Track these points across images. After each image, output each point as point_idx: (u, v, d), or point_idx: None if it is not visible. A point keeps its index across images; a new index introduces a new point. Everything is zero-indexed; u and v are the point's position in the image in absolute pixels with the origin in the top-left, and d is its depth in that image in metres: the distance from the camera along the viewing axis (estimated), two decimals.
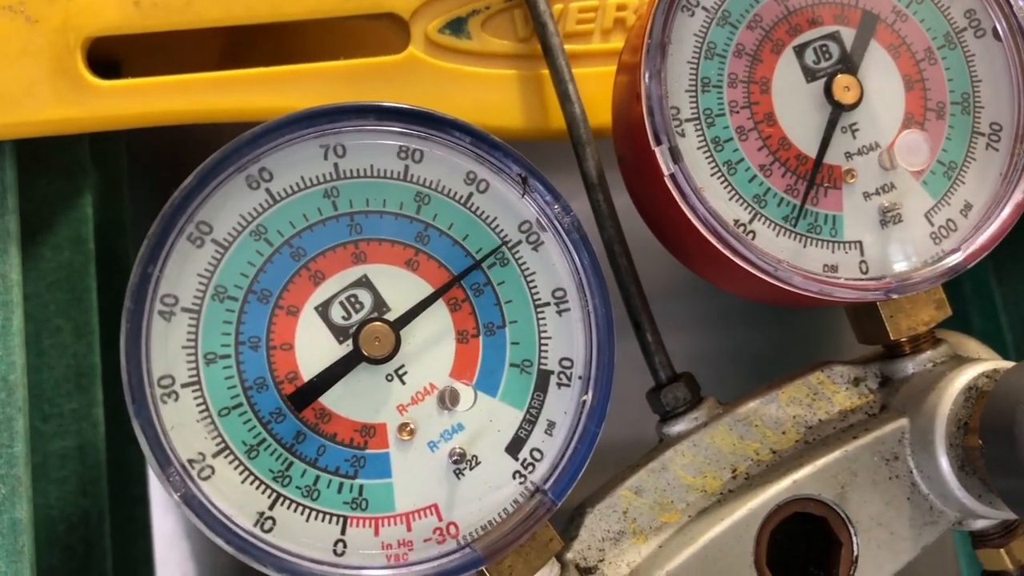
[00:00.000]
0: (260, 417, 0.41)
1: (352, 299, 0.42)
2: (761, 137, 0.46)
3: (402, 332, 0.42)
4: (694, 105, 0.45)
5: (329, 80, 0.52)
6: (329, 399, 0.41)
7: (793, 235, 0.46)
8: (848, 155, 0.47)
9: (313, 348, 0.41)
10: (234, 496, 0.40)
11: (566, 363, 0.44)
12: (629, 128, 0.46)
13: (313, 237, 0.42)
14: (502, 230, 0.44)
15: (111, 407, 0.64)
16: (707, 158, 0.45)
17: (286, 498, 0.40)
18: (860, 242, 0.47)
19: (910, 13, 0.48)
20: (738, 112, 0.46)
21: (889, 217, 0.47)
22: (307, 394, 0.40)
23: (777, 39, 0.47)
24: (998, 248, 0.75)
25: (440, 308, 0.43)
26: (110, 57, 0.58)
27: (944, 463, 0.44)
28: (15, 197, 0.52)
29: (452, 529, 0.42)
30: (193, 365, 0.40)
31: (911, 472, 0.46)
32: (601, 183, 0.50)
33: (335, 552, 0.41)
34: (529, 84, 0.53)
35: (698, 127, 0.45)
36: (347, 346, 0.41)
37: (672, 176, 0.44)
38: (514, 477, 0.43)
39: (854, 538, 0.45)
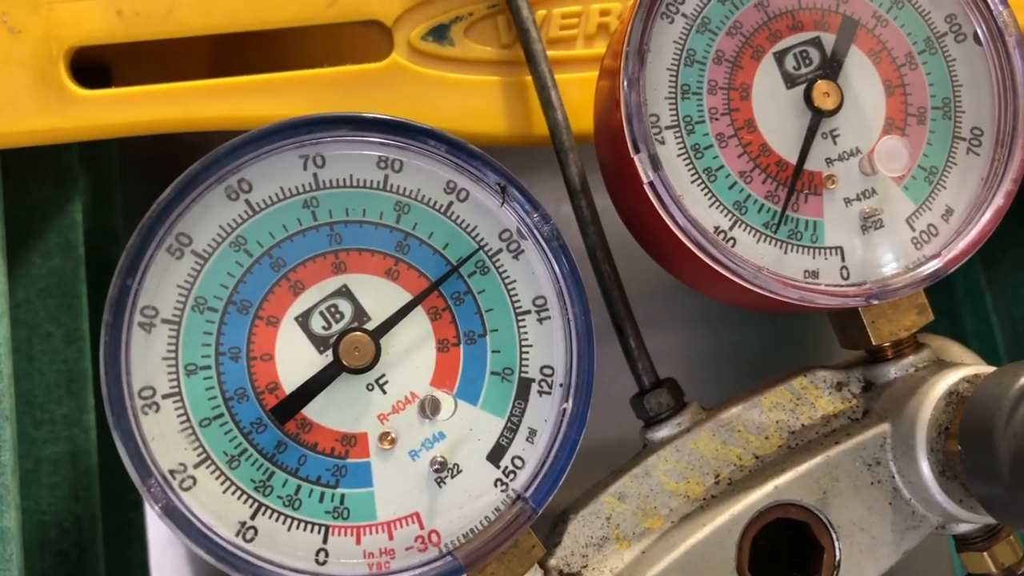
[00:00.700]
0: (241, 427, 0.41)
1: (332, 309, 0.42)
2: (741, 144, 0.46)
3: (383, 342, 0.42)
4: (674, 112, 0.46)
5: (314, 87, 0.52)
6: (310, 409, 0.41)
7: (774, 241, 0.46)
8: (829, 161, 0.47)
9: (293, 358, 0.41)
10: (215, 506, 0.40)
11: (547, 371, 0.44)
12: (610, 134, 0.47)
13: (293, 247, 0.42)
14: (482, 238, 0.44)
15: (103, 412, 0.64)
16: (687, 165, 0.45)
17: (268, 508, 0.41)
18: (841, 248, 0.47)
19: (891, 18, 0.48)
20: (718, 119, 0.46)
21: (870, 222, 0.47)
22: (290, 406, 0.40)
23: (757, 45, 0.47)
24: (989, 249, 0.75)
25: (421, 317, 0.43)
26: (100, 63, 0.59)
27: (925, 468, 0.44)
28: (0, 207, 0.52)
29: (434, 537, 0.42)
30: (174, 376, 0.40)
31: (893, 477, 0.46)
32: (584, 189, 0.50)
33: (317, 561, 0.41)
34: (512, 90, 0.53)
35: (678, 134, 0.45)
36: (327, 356, 0.42)
37: (651, 184, 0.44)
38: (495, 485, 0.43)
39: (836, 543, 0.45)
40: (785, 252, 0.46)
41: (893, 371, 0.48)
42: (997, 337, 0.76)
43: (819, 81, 0.47)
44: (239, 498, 0.40)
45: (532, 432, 0.43)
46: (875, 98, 0.48)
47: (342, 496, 0.41)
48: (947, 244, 0.47)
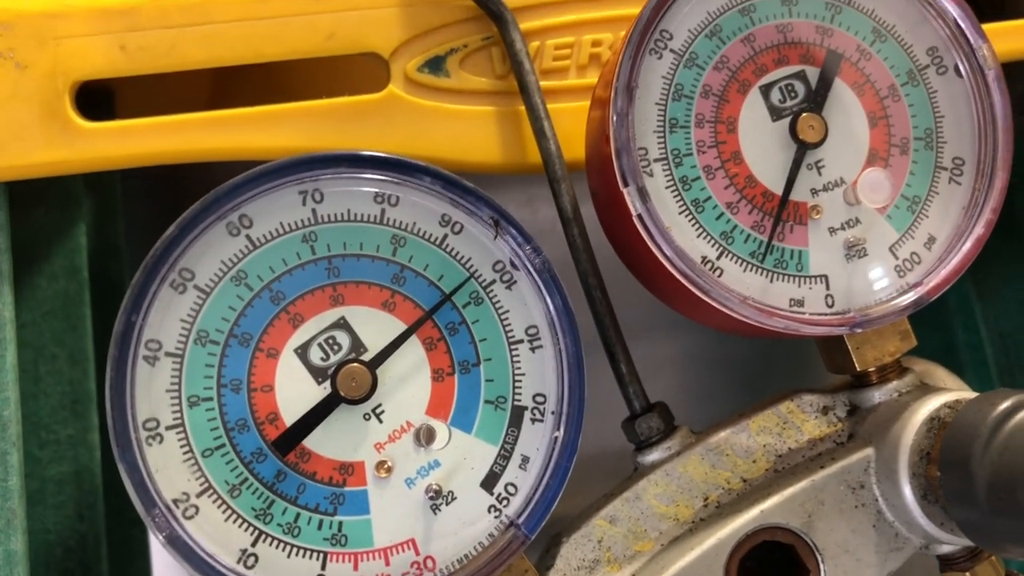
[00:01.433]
0: (242, 457, 0.42)
1: (330, 341, 0.43)
2: (728, 175, 0.47)
3: (379, 372, 0.43)
4: (662, 145, 0.47)
5: (313, 119, 0.53)
6: (309, 439, 0.43)
7: (760, 271, 0.47)
8: (814, 191, 0.48)
9: (293, 389, 0.43)
10: (217, 534, 0.41)
11: (539, 399, 0.45)
12: (600, 166, 0.48)
13: (292, 281, 0.43)
14: (476, 270, 0.45)
15: (107, 432, 0.65)
16: (675, 197, 0.47)
17: (268, 535, 0.42)
18: (826, 276, 0.48)
19: (874, 52, 0.49)
20: (705, 152, 0.47)
21: (854, 251, 0.48)
22: (291, 438, 0.42)
23: (743, 79, 0.48)
24: (979, 265, 0.76)
25: (416, 347, 0.44)
26: (104, 89, 0.60)
27: (908, 492, 0.46)
28: (7, 237, 0.53)
29: (429, 563, 0.43)
30: (177, 408, 0.42)
31: (877, 500, 0.47)
32: (576, 218, 0.51)
33: None
34: (507, 120, 0.55)
35: (666, 167, 0.47)
36: (326, 387, 0.43)
37: (640, 216, 0.45)
38: (489, 511, 0.44)
39: (821, 565, 0.46)
40: (771, 281, 0.47)
41: (878, 395, 0.49)
42: (987, 350, 0.77)
43: (804, 114, 0.48)
44: (240, 526, 0.42)
45: (525, 459, 0.45)
46: (859, 129, 0.49)
47: (340, 523, 0.43)
48: (929, 272, 0.48)
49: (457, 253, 0.45)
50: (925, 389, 0.49)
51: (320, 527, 0.42)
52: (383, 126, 0.54)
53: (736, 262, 0.47)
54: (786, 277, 0.47)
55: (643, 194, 0.45)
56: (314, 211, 0.44)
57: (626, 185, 0.45)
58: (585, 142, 0.52)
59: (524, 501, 0.44)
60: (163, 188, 0.78)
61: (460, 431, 0.44)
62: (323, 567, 0.42)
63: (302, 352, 0.43)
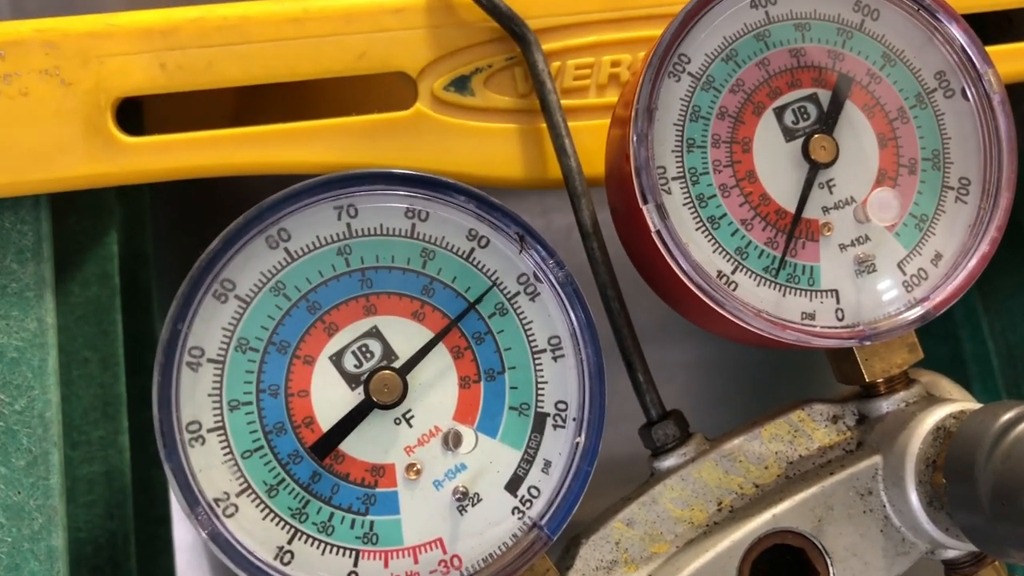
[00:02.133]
0: (279, 459, 0.44)
1: (363, 349, 0.46)
2: (743, 194, 0.49)
3: (409, 379, 0.45)
4: (680, 164, 0.49)
5: (342, 135, 0.55)
6: (343, 443, 0.45)
7: (773, 285, 0.49)
8: (825, 209, 0.50)
9: (328, 395, 0.45)
10: (256, 532, 0.43)
11: (561, 406, 0.47)
12: (620, 183, 0.50)
13: (328, 292, 0.45)
14: (501, 282, 0.47)
15: (136, 433, 0.68)
16: (692, 214, 0.49)
17: (303, 533, 0.44)
18: (836, 291, 0.50)
19: (884, 75, 0.51)
20: (721, 171, 0.49)
21: (864, 267, 0.50)
22: (328, 443, 0.44)
23: (758, 102, 0.50)
24: (986, 278, 0.78)
25: (444, 356, 0.46)
26: (132, 104, 0.62)
27: (914, 499, 0.47)
28: (50, 246, 0.55)
29: (456, 561, 0.45)
30: (218, 411, 0.44)
31: (884, 506, 0.49)
32: (595, 232, 0.53)
33: None
34: (529, 137, 0.57)
35: (683, 185, 0.49)
36: (359, 393, 0.45)
37: (659, 232, 0.47)
38: (513, 513, 0.46)
39: (830, 568, 0.48)
40: (784, 295, 0.49)
41: (885, 406, 0.51)
42: (994, 361, 0.79)
43: (816, 135, 0.50)
44: (277, 524, 0.44)
45: (547, 464, 0.47)
46: (869, 150, 0.51)
47: (372, 523, 0.45)
48: (936, 287, 0.50)
49: (483, 266, 0.47)
50: (931, 400, 0.51)
51: (353, 526, 0.44)
52: (410, 143, 0.56)
53: (750, 276, 0.49)
54: (798, 291, 0.49)
55: (662, 211, 0.47)
56: (349, 225, 0.46)
57: (645, 202, 0.47)
58: (605, 160, 0.54)
59: (547, 503, 0.46)
60: (189, 199, 0.80)
61: (486, 436, 0.46)
62: (355, 564, 0.44)
63: (336, 359, 0.45)
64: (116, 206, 0.69)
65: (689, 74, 0.49)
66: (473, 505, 0.46)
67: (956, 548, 0.49)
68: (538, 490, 0.46)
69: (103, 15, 0.54)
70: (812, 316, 0.49)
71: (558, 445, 0.47)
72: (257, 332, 0.44)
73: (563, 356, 0.47)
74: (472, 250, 0.47)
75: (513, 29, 0.55)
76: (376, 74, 0.56)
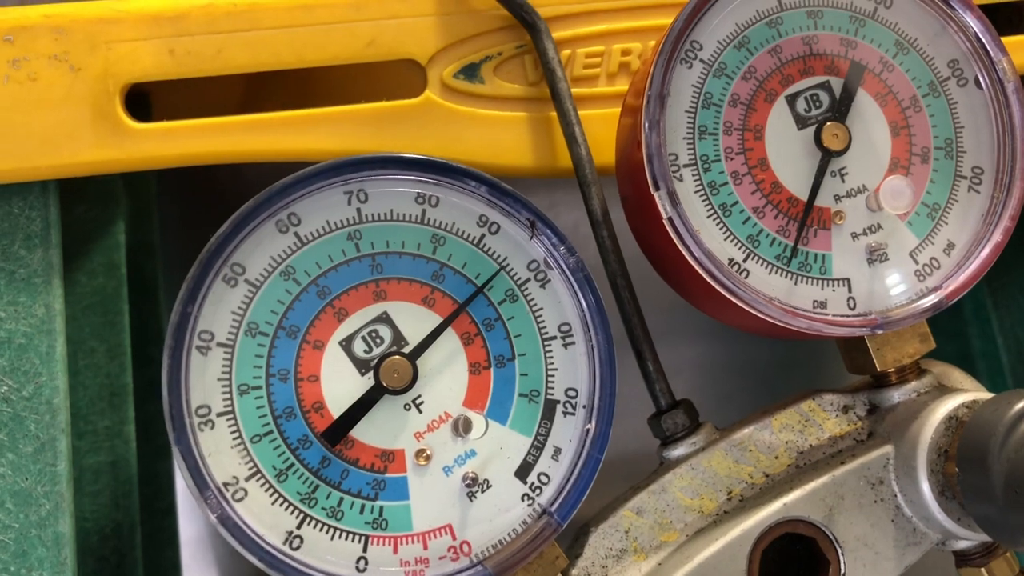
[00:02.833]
0: (289, 444, 0.44)
1: (373, 334, 0.45)
2: (755, 181, 0.49)
3: (419, 365, 0.45)
4: (691, 151, 0.49)
5: (351, 123, 0.55)
6: (353, 428, 0.44)
7: (785, 273, 0.49)
8: (837, 198, 0.50)
9: (337, 380, 0.45)
10: (265, 516, 0.43)
11: (571, 393, 0.47)
12: (631, 171, 0.50)
13: (338, 277, 0.45)
14: (512, 268, 0.47)
15: (141, 424, 0.68)
16: (703, 201, 0.49)
17: (312, 518, 0.44)
18: (848, 279, 0.50)
19: (896, 64, 0.51)
20: (733, 158, 0.49)
21: (876, 256, 0.50)
22: (339, 429, 0.44)
23: (770, 89, 0.50)
24: (995, 273, 0.77)
25: (454, 342, 0.46)
26: (139, 90, 0.62)
27: (926, 488, 0.47)
28: (58, 232, 0.55)
29: (465, 547, 0.45)
30: (227, 396, 0.44)
31: (895, 496, 0.49)
32: (605, 220, 0.53)
33: (358, 568, 0.44)
34: (539, 126, 0.56)
35: (695, 172, 0.49)
36: (368, 378, 0.45)
37: (670, 219, 0.47)
38: (523, 499, 0.46)
39: (841, 558, 0.48)
40: (795, 283, 0.49)
41: (897, 396, 0.51)
42: (1003, 358, 0.79)
43: (828, 123, 0.50)
44: (286, 509, 0.44)
45: (557, 451, 0.46)
46: (881, 138, 0.51)
47: (381, 508, 0.45)
48: (948, 277, 0.50)
49: (494, 252, 0.47)
50: (943, 390, 0.51)
51: (362, 511, 0.44)
52: (419, 130, 0.55)
53: (762, 264, 0.49)
54: (810, 280, 0.49)
55: (673, 198, 0.47)
56: (359, 210, 0.46)
57: (657, 189, 0.47)
58: (616, 148, 0.54)
59: (556, 490, 0.46)
60: (196, 192, 0.80)
61: (496, 422, 0.46)
62: (364, 550, 0.44)
63: (346, 344, 0.45)
64: (124, 196, 0.69)
65: (701, 61, 0.49)
66: (483, 491, 0.45)
67: (967, 538, 0.48)
68: (548, 477, 0.46)
69: (112, 1, 0.54)
70: (824, 304, 0.49)
71: (568, 432, 0.46)
72: (267, 316, 0.44)
73: (573, 343, 0.47)
74: (482, 236, 0.47)
75: (524, 17, 0.55)
76: (385, 61, 0.56)
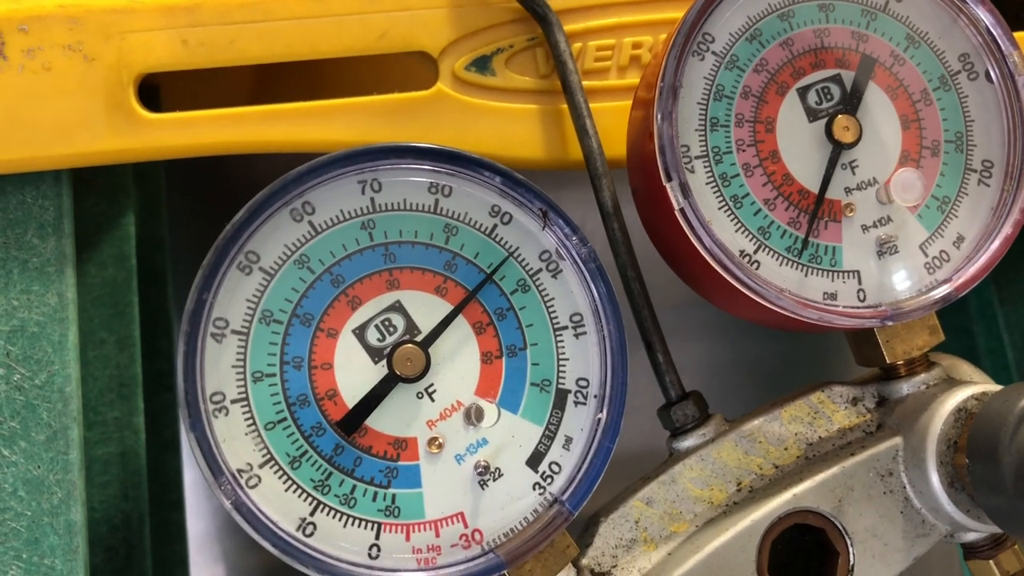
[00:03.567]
0: (302, 431, 0.44)
1: (386, 322, 0.46)
2: (766, 173, 0.49)
3: (432, 353, 0.45)
4: (703, 143, 0.49)
5: (363, 114, 0.55)
6: None
7: (796, 265, 0.49)
8: (848, 190, 0.50)
9: (351, 368, 0.45)
10: (279, 503, 0.43)
11: (582, 383, 0.47)
12: (642, 162, 0.50)
13: (351, 265, 0.45)
14: (524, 259, 0.47)
15: (150, 417, 0.68)
16: (715, 193, 0.49)
17: (326, 505, 0.44)
18: (858, 271, 0.50)
19: (907, 57, 0.51)
20: (744, 150, 0.49)
21: (886, 248, 0.50)
22: (354, 418, 0.44)
23: (782, 81, 0.50)
24: (1002, 270, 0.78)
25: (466, 331, 0.46)
26: (149, 81, 0.62)
27: (935, 480, 0.47)
28: (71, 221, 0.55)
29: (477, 536, 0.45)
30: (242, 383, 0.44)
31: (904, 487, 0.49)
32: (616, 213, 0.53)
33: (370, 555, 0.44)
34: (550, 118, 0.57)
35: (707, 164, 0.49)
36: (382, 366, 0.45)
37: (682, 210, 0.47)
38: (534, 488, 0.46)
39: (850, 548, 0.48)
40: (806, 275, 0.49)
41: (906, 388, 0.51)
42: (1008, 355, 0.79)
43: (839, 115, 0.50)
44: (300, 496, 0.44)
45: (568, 440, 0.47)
46: (892, 132, 0.51)
47: (393, 496, 0.45)
48: (958, 270, 0.50)
49: (506, 242, 0.47)
50: (952, 382, 0.51)
51: (375, 499, 0.44)
52: (431, 122, 0.56)
53: (773, 256, 0.49)
54: (820, 271, 0.49)
55: (685, 189, 0.47)
56: (372, 200, 0.46)
57: (669, 180, 0.47)
58: (627, 141, 0.54)
59: (568, 479, 0.46)
60: (205, 186, 0.80)
61: (507, 411, 0.46)
62: (377, 537, 0.44)
63: (360, 333, 0.45)
64: (133, 189, 0.69)
65: (713, 53, 0.49)
66: (494, 480, 0.46)
67: (976, 530, 0.49)
68: (559, 466, 0.46)
69: None
70: (834, 296, 0.49)
71: (579, 421, 0.47)
72: (281, 304, 0.45)
73: (585, 333, 0.47)
74: (495, 226, 0.47)
75: (535, 9, 0.55)
76: (397, 53, 0.56)
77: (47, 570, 0.50)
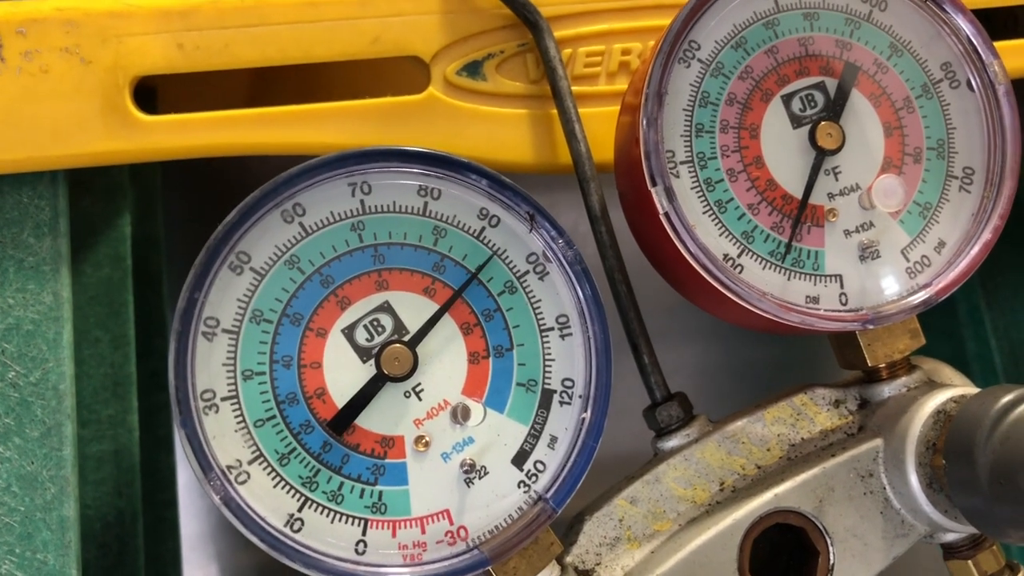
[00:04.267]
0: (291, 428, 0.45)
1: (375, 323, 0.46)
2: (750, 178, 0.50)
3: (419, 353, 0.46)
4: (688, 149, 0.50)
5: (355, 118, 0.56)
6: None
7: (779, 269, 0.50)
8: (830, 195, 0.51)
9: (339, 367, 0.46)
10: (267, 499, 0.44)
11: (568, 383, 0.48)
12: (629, 167, 0.51)
13: (341, 266, 0.46)
14: (511, 261, 0.48)
15: (144, 415, 0.68)
16: (699, 197, 0.50)
17: (313, 502, 0.45)
18: (840, 275, 0.51)
19: (891, 65, 0.52)
20: (729, 156, 0.50)
21: (868, 253, 0.51)
22: (345, 418, 0.45)
23: (766, 89, 0.51)
24: (989, 274, 0.78)
25: (454, 332, 0.47)
26: (146, 84, 0.63)
27: (914, 481, 0.48)
28: (67, 221, 0.56)
29: (462, 532, 0.46)
30: (232, 381, 0.45)
31: (884, 488, 0.50)
32: (604, 216, 0.54)
33: (357, 551, 0.45)
34: (539, 123, 0.57)
35: (691, 169, 0.50)
36: (370, 366, 0.46)
37: (667, 215, 0.48)
38: (519, 486, 0.47)
39: (830, 548, 0.49)
40: (789, 279, 0.50)
41: (887, 390, 0.52)
42: (996, 360, 0.80)
43: (823, 122, 0.51)
44: (288, 492, 0.45)
45: (553, 439, 0.47)
46: (875, 138, 0.52)
47: (380, 493, 0.46)
48: (939, 274, 0.51)
49: (494, 245, 0.48)
50: (932, 385, 0.52)
51: (362, 496, 0.45)
52: (423, 126, 0.56)
53: (756, 260, 0.50)
54: (803, 276, 0.50)
55: (670, 194, 0.48)
56: (362, 202, 0.47)
57: (654, 185, 0.48)
58: (615, 147, 0.55)
59: (552, 478, 0.47)
60: (200, 188, 0.81)
61: (493, 411, 0.47)
62: (364, 533, 0.45)
63: (349, 332, 0.46)
64: (129, 190, 0.70)
65: (699, 60, 0.50)
66: (480, 478, 0.46)
67: (954, 530, 0.49)
68: (544, 464, 0.47)
69: None
70: (816, 300, 0.50)
71: (564, 421, 0.47)
72: (271, 304, 0.45)
73: (571, 335, 0.48)
74: (483, 229, 0.48)
75: (526, 16, 0.56)
76: (389, 58, 0.57)
77: (40, 565, 0.51)
